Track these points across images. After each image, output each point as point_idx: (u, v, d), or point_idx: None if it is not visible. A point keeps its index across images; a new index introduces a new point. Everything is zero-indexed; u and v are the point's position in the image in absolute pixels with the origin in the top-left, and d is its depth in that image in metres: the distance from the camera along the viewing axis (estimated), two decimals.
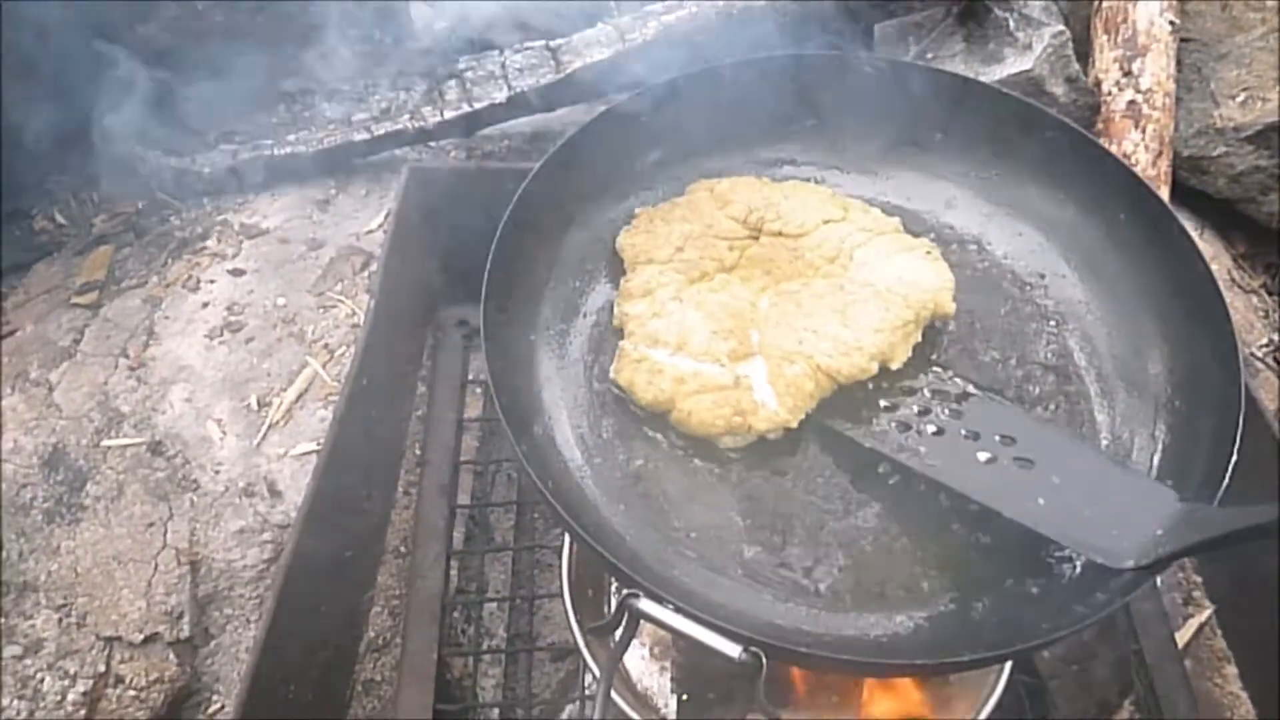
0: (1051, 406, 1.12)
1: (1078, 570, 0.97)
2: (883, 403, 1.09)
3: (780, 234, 1.21)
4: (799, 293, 1.15)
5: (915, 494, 1.03)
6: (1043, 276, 1.24)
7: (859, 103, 1.32)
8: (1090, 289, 1.20)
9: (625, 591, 0.86)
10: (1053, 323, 1.19)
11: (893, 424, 1.06)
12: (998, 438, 1.03)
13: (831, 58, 1.36)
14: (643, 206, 1.23)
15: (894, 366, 1.10)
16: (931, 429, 1.05)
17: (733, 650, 0.82)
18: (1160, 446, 1.05)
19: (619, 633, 0.89)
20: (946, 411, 1.07)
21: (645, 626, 1.55)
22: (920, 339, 1.14)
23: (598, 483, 1.04)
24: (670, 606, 0.84)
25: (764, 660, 0.83)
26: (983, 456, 1.02)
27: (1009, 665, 1.37)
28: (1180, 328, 1.10)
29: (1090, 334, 1.17)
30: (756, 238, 1.21)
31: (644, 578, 0.86)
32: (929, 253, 1.19)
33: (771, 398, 1.06)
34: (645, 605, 0.85)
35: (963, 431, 1.04)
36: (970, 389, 1.09)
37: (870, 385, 1.10)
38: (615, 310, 1.16)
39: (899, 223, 1.23)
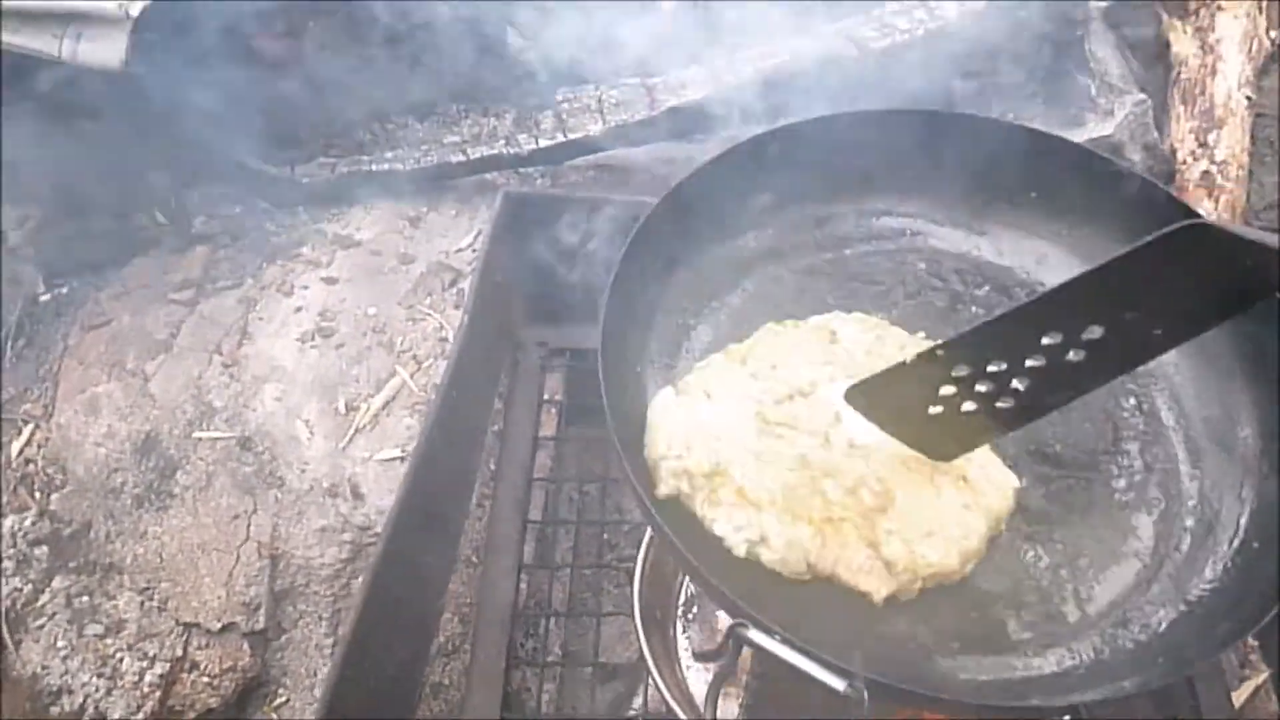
0: (1138, 465, 1.15)
1: (1163, 626, 1.01)
2: None
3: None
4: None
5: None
6: None
7: (953, 158, 1.36)
8: (1180, 350, 1.22)
9: (734, 621, 0.90)
10: (1139, 382, 1.22)
11: None
12: None
13: (929, 114, 1.40)
14: (755, 244, 1.29)
15: None
16: None
17: (838, 683, 0.86)
18: (1248, 510, 1.08)
19: (722, 661, 0.94)
20: None
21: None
22: None
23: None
24: (778, 637, 0.88)
25: (866, 696, 0.86)
26: None
27: None
28: (1272, 390, 1.13)
29: (1178, 394, 1.20)
30: None
31: (753, 605, 0.90)
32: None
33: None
34: (753, 635, 0.88)
35: None
36: None
37: None
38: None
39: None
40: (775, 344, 1.14)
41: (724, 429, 1.05)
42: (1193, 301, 0.86)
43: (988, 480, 1.06)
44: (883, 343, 1.16)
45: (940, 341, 0.96)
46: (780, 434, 1.05)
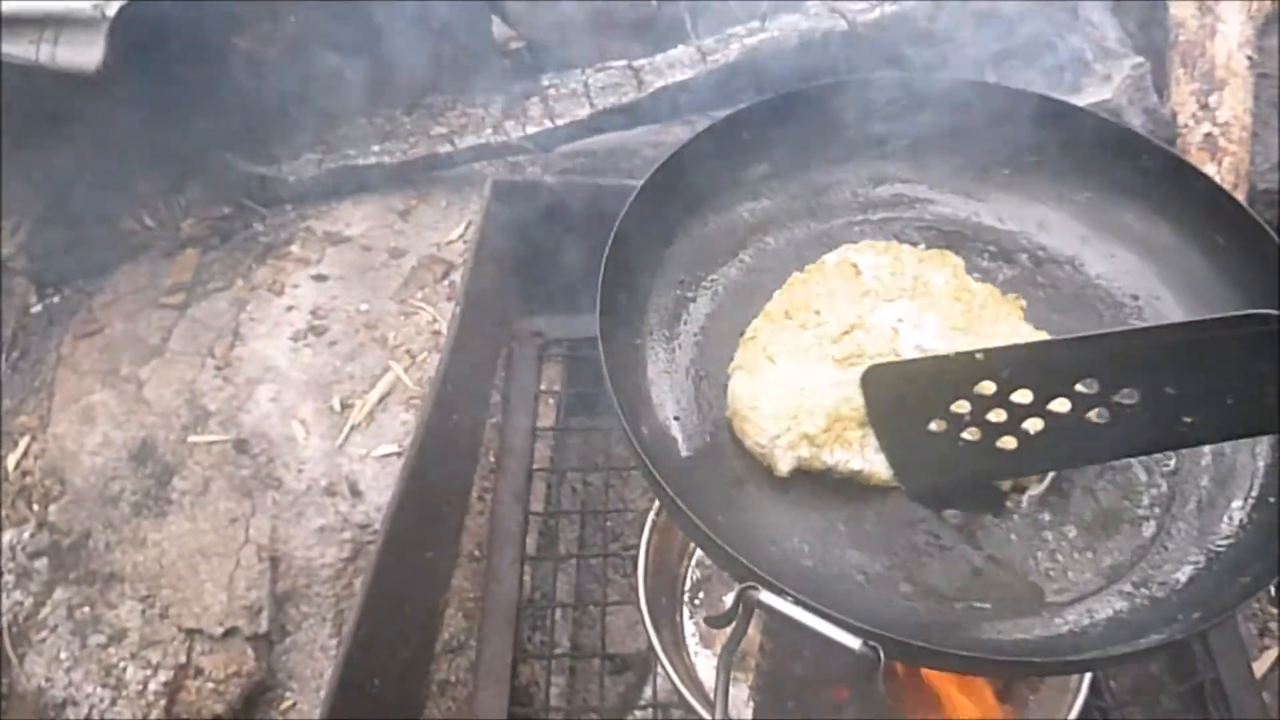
0: None
1: (1182, 582, 0.98)
2: None
3: None
4: None
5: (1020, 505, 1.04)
6: (1136, 298, 1.24)
7: (950, 125, 1.33)
8: (1189, 311, 1.20)
9: (743, 585, 0.88)
10: None
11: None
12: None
13: (924, 80, 1.38)
14: (751, 216, 1.27)
15: None
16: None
17: (852, 643, 0.83)
18: (1262, 466, 1.06)
19: (732, 627, 0.91)
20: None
21: (718, 637, 1.57)
22: None
23: (707, 482, 1.06)
24: (789, 599, 0.86)
25: (881, 654, 0.84)
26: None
27: (1087, 684, 1.38)
28: None
29: None
30: None
31: (764, 571, 0.88)
32: None
33: None
34: (765, 597, 0.86)
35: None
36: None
37: None
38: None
39: None
40: (808, 293, 1.14)
41: (809, 383, 1.06)
42: (1246, 399, 0.81)
43: None
44: (900, 262, 1.17)
45: (984, 348, 0.92)
46: (855, 363, 1.06)
